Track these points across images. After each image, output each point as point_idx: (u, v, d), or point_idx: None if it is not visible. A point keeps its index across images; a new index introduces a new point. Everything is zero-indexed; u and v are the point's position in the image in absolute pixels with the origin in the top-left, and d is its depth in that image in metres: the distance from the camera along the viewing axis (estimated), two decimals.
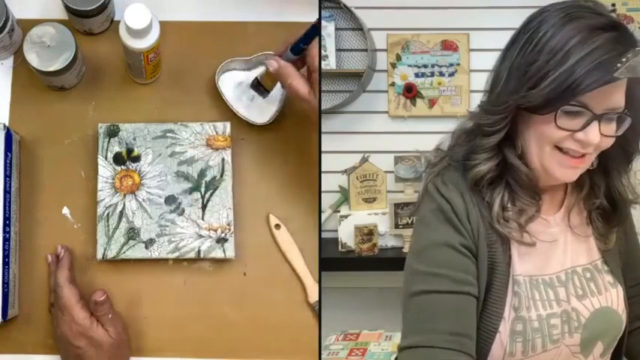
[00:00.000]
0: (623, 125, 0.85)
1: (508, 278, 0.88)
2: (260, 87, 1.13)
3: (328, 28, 2.06)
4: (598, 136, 0.83)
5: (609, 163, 0.91)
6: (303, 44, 1.04)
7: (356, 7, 2.07)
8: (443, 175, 0.90)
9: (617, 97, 0.83)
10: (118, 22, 1.04)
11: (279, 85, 1.16)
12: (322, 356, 1.23)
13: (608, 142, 0.86)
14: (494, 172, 0.88)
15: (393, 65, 2.15)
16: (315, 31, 1.03)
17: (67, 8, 1.10)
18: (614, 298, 0.94)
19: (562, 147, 0.85)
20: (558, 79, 0.80)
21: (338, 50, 2.10)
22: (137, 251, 1.07)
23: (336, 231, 2.05)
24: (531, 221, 0.89)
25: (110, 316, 1.01)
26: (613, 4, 2.04)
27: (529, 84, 0.83)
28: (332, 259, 1.99)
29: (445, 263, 0.85)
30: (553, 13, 0.85)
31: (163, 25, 1.05)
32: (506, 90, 0.85)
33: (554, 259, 0.92)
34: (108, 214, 1.07)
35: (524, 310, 0.88)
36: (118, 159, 1.09)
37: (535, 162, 0.87)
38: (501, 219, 0.87)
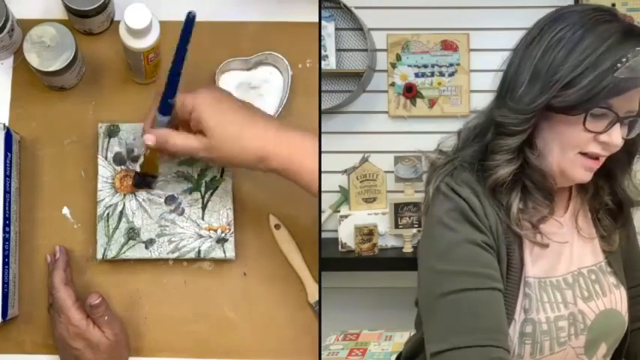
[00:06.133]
0: (636, 128, 0.86)
1: (520, 280, 0.88)
2: (147, 178, 1.06)
3: (328, 28, 2.06)
4: (620, 138, 0.84)
5: (613, 165, 0.91)
6: (169, 99, 0.94)
7: (356, 7, 2.07)
8: (455, 175, 0.88)
9: (636, 101, 0.84)
10: (118, 22, 1.04)
11: (279, 84, 1.16)
12: (322, 356, 1.23)
13: (621, 144, 0.86)
14: (513, 175, 0.87)
15: (393, 65, 2.15)
16: (175, 78, 0.93)
17: (67, 8, 1.10)
18: (617, 299, 0.94)
19: (585, 151, 0.85)
20: (594, 80, 0.80)
21: (338, 50, 2.10)
22: (137, 251, 1.07)
23: (336, 231, 2.05)
24: (544, 222, 0.89)
25: (106, 317, 1.01)
26: (613, 4, 2.04)
27: (560, 85, 0.82)
28: (332, 259, 1.99)
29: (472, 260, 0.84)
30: (575, 15, 0.85)
31: (163, 25, 1.05)
32: (533, 91, 0.84)
33: (562, 261, 0.92)
34: (108, 214, 1.07)
35: (534, 312, 0.87)
36: (118, 159, 1.09)
37: (553, 164, 0.87)
38: (518, 221, 0.87)
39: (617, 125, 0.83)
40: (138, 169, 1.08)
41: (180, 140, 0.96)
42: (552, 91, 0.82)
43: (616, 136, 0.84)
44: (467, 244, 0.84)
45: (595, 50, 0.81)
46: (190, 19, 0.91)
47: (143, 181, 1.08)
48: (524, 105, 0.84)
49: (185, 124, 0.98)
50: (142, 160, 1.07)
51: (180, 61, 0.93)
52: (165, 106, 0.96)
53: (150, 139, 0.97)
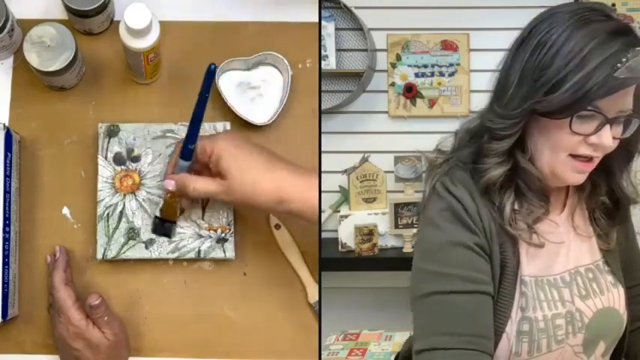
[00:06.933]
0: (631, 127, 0.85)
1: (516, 279, 0.88)
2: (165, 223, 1.06)
3: (328, 28, 2.07)
4: (611, 139, 0.83)
5: (611, 163, 0.91)
6: (190, 145, 0.99)
7: (356, 7, 2.07)
8: (451, 174, 0.89)
9: (627, 100, 0.83)
10: (118, 22, 1.04)
11: (279, 84, 1.16)
12: (322, 356, 1.23)
13: (615, 144, 0.85)
14: (505, 176, 0.87)
15: (393, 65, 2.15)
16: (196, 125, 0.98)
17: (67, 8, 1.10)
18: (615, 298, 0.94)
19: (576, 153, 0.85)
20: (578, 83, 0.79)
21: (338, 50, 2.10)
22: (137, 251, 1.07)
23: (336, 231, 2.05)
24: (539, 222, 0.89)
25: (106, 318, 1.01)
26: (613, 4, 2.04)
27: (545, 89, 0.81)
28: (332, 259, 1.99)
29: (459, 263, 0.84)
30: (564, 15, 0.84)
31: (163, 25, 1.05)
32: (519, 95, 0.83)
33: (559, 260, 0.92)
34: (108, 214, 1.07)
35: (530, 311, 0.87)
36: (118, 159, 1.09)
37: (545, 167, 0.87)
38: (512, 221, 0.87)
39: (607, 126, 0.83)
40: (157, 214, 1.07)
41: (200, 184, 0.98)
42: (536, 96, 0.82)
43: (606, 138, 0.83)
44: (456, 246, 0.84)
45: (579, 52, 0.80)
46: (211, 70, 0.94)
47: (162, 226, 1.07)
48: (510, 110, 0.84)
49: (205, 168, 1.01)
50: (161, 204, 1.07)
51: (202, 108, 0.97)
52: (187, 152, 1.00)
53: (170, 185, 1.01)
